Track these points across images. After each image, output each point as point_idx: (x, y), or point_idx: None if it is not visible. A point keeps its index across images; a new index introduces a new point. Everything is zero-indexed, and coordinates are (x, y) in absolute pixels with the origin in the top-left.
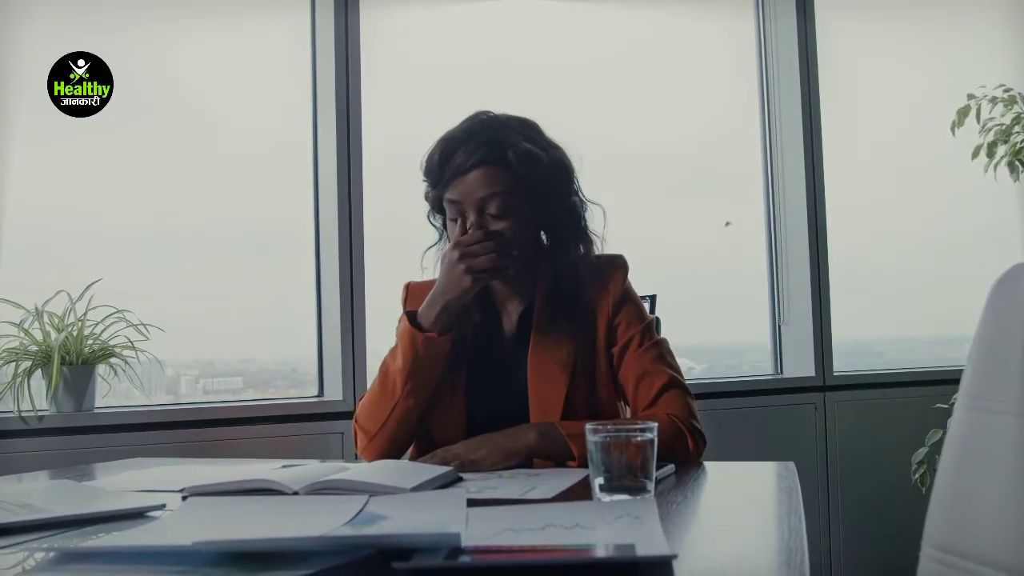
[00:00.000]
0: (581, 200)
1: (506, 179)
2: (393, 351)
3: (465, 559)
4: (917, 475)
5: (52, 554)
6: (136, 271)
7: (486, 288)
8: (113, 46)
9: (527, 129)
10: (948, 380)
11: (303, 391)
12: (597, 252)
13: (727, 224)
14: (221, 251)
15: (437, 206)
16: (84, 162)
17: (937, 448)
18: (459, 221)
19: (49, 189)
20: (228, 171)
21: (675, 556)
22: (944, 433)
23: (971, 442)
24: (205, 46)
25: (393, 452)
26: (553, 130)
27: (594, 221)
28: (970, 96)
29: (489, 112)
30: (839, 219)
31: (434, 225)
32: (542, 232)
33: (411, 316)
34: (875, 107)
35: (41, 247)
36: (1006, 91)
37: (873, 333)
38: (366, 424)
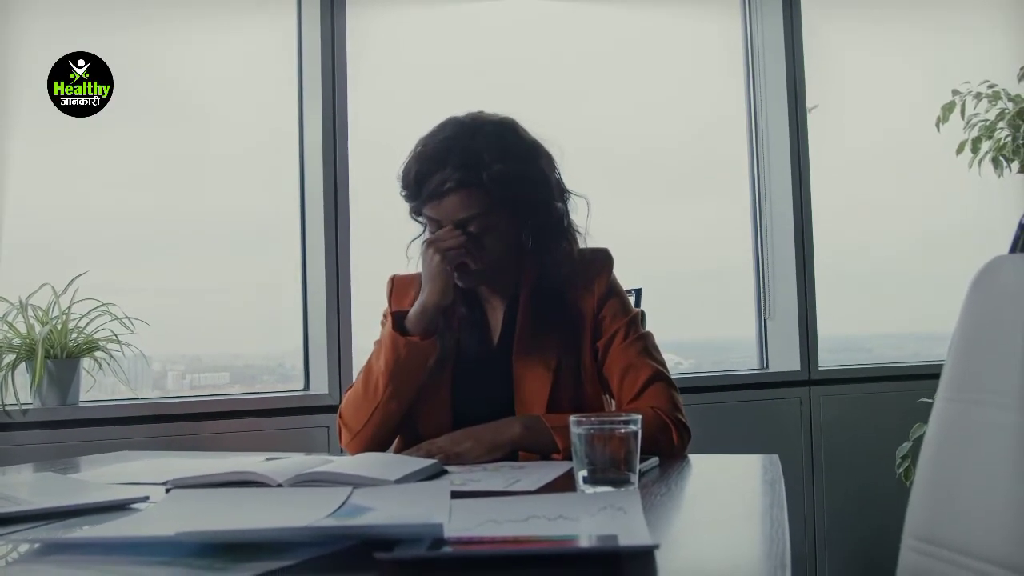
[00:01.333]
0: (563, 198)
1: (483, 200)
2: (378, 350)
3: (447, 550)
4: (901, 469)
5: (36, 545)
6: (122, 266)
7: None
8: (99, 45)
9: (504, 137)
10: (933, 375)
11: (290, 387)
12: (581, 246)
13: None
14: (208, 246)
15: (418, 212)
16: (70, 158)
17: (922, 442)
18: None
19: (35, 183)
20: (215, 168)
21: (657, 546)
22: None
23: (952, 434)
24: (192, 45)
25: (376, 448)
26: (540, 128)
27: (576, 212)
28: (955, 92)
29: (464, 121)
30: (825, 215)
31: (417, 220)
32: (525, 231)
33: (397, 319)
34: (861, 103)
35: (25, 241)
36: (990, 87)
37: (861, 329)
38: (350, 421)
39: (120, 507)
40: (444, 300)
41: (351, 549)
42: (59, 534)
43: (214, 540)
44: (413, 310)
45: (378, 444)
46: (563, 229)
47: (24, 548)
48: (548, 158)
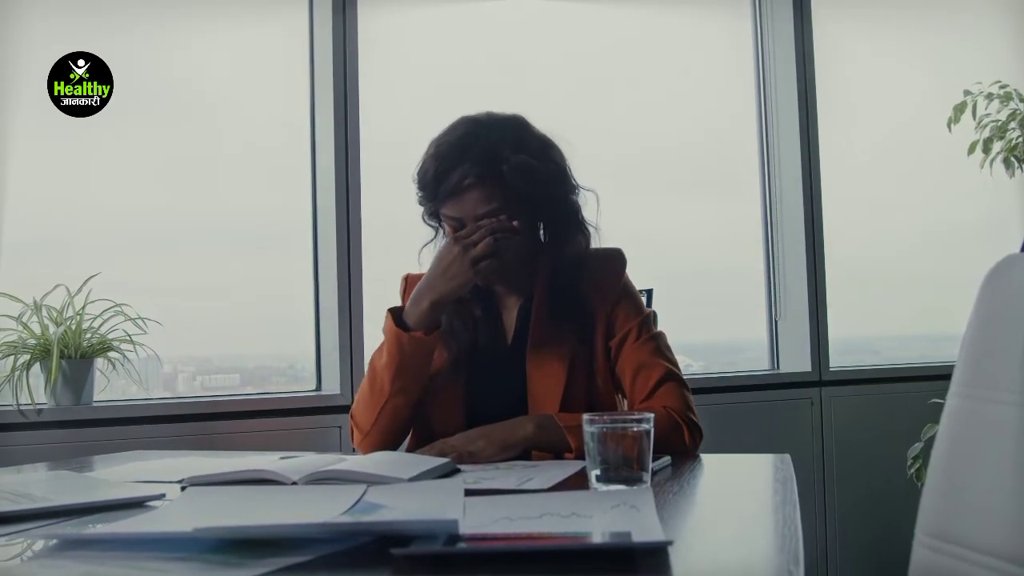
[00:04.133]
0: (576, 192)
1: (503, 193)
2: (380, 348)
3: (462, 546)
4: (913, 469)
5: (54, 541)
6: (134, 266)
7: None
8: (112, 44)
9: (518, 133)
10: (944, 375)
11: (300, 388)
12: (594, 244)
13: None
14: (219, 247)
15: (433, 214)
16: (83, 158)
17: (933, 443)
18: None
19: (48, 184)
20: (227, 168)
21: (670, 543)
22: None
23: (963, 431)
24: (204, 44)
25: (388, 446)
26: (551, 127)
27: (586, 207)
28: (966, 92)
29: (477, 119)
30: (836, 215)
31: (429, 224)
32: (540, 227)
33: (396, 316)
34: (872, 103)
35: (39, 241)
36: (1002, 87)
37: (871, 331)
38: (360, 420)
39: (137, 504)
40: (459, 293)
41: (365, 546)
42: (77, 530)
43: (231, 536)
44: (418, 307)
45: (389, 442)
46: (578, 223)
47: (41, 544)
48: (560, 152)
